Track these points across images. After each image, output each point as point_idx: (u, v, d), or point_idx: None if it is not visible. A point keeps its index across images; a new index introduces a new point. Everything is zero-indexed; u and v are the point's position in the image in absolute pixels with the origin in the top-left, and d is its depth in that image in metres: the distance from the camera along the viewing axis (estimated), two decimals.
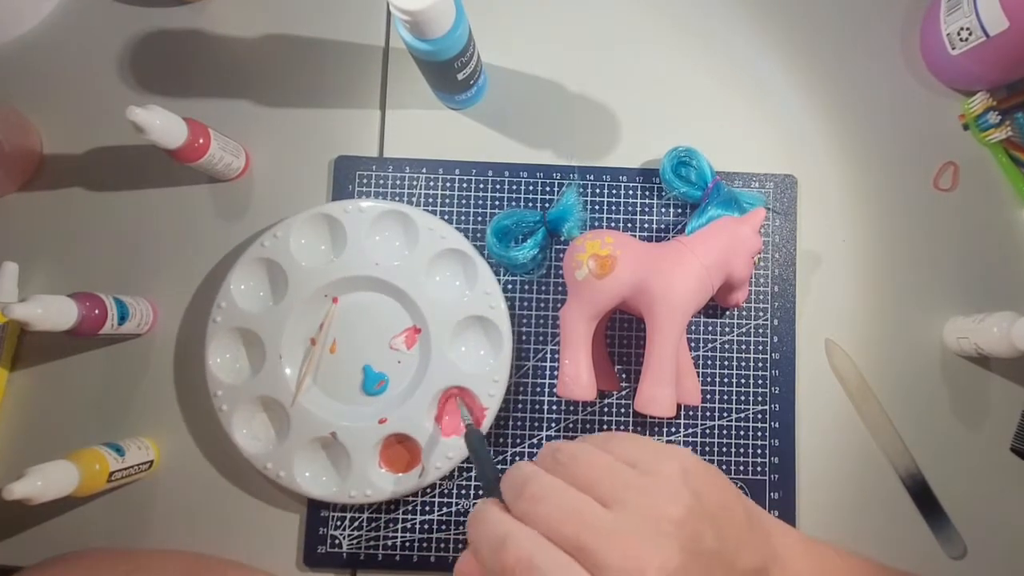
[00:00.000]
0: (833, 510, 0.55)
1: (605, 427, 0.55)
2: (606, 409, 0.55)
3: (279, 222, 0.54)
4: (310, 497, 0.53)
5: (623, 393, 0.56)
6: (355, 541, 0.54)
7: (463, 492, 0.55)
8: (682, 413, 0.55)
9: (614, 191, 0.57)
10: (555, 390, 0.55)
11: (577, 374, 0.49)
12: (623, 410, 0.55)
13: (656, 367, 0.48)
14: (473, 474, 0.55)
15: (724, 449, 0.55)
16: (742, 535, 0.32)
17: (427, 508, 0.54)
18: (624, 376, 0.56)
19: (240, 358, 0.54)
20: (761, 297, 0.56)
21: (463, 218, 0.57)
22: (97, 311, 0.50)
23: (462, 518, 0.54)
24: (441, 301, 0.54)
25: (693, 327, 0.56)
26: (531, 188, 0.57)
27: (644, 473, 0.32)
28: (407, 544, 0.54)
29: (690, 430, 0.55)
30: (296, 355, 0.54)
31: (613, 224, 0.57)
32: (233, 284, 0.54)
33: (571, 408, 0.55)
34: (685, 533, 0.30)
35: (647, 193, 0.57)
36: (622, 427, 0.55)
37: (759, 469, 0.54)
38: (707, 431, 0.55)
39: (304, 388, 0.54)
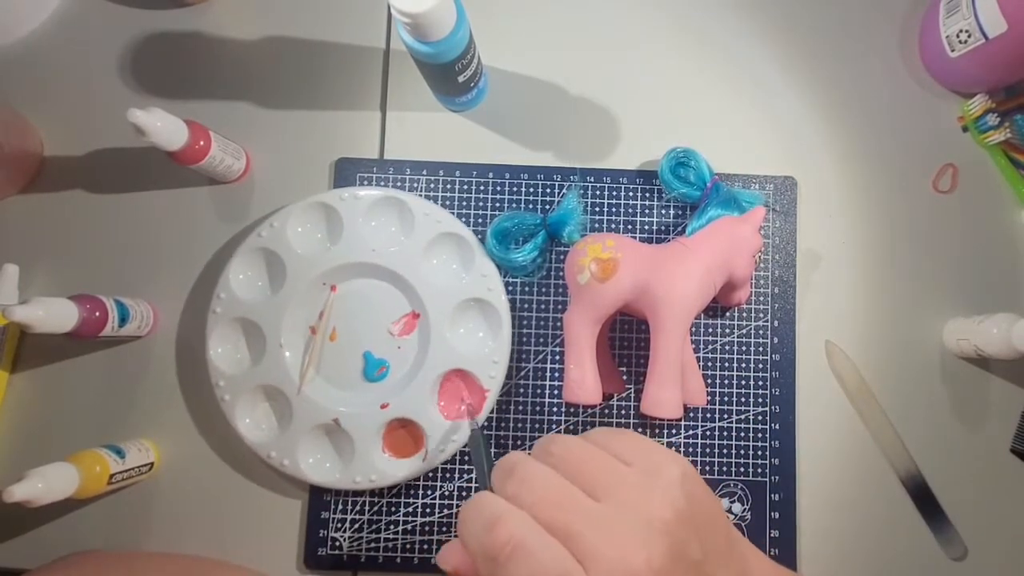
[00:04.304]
0: (833, 511, 0.55)
1: None
2: (608, 411, 0.55)
3: (276, 211, 0.54)
4: (314, 484, 0.53)
5: (625, 395, 0.56)
6: (355, 543, 0.54)
7: (464, 494, 0.55)
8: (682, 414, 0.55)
9: (614, 193, 0.57)
10: (557, 392, 0.55)
11: (583, 379, 0.49)
12: (625, 412, 0.55)
13: (661, 369, 0.48)
14: (474, 475, 0.55)
15: (724, 450, 0.55)
16: (723, 552, 0.32)
17: (427, 510, 0.54)
18: (626, 377, 0.56)
19: (241, 348, 0.55)
20: (761, 298, 0.56)
21: (463, 220, 0.57)
22: (98, 313, 0.50)
23: None
24: (439, 285, 0.54)
25: (693, 329, 0.56)
26: (531, 190, 0.57)
27: (642, 472, 0.31)
28: (407, 546, 0.54)
29: (690, 431, 0.55)
30: (296, 344, 0.54)
31: (613, 226, 0.57)
32: (232, 274, 0.54)
33: (572, 410, 0.55)
34: (673, 537, 0.30)
35: (647, 194, 0.57)
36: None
37: (759, 470, 0.54)
38: (707, 432, 0.55)
39: (308, 378, 0.54)
